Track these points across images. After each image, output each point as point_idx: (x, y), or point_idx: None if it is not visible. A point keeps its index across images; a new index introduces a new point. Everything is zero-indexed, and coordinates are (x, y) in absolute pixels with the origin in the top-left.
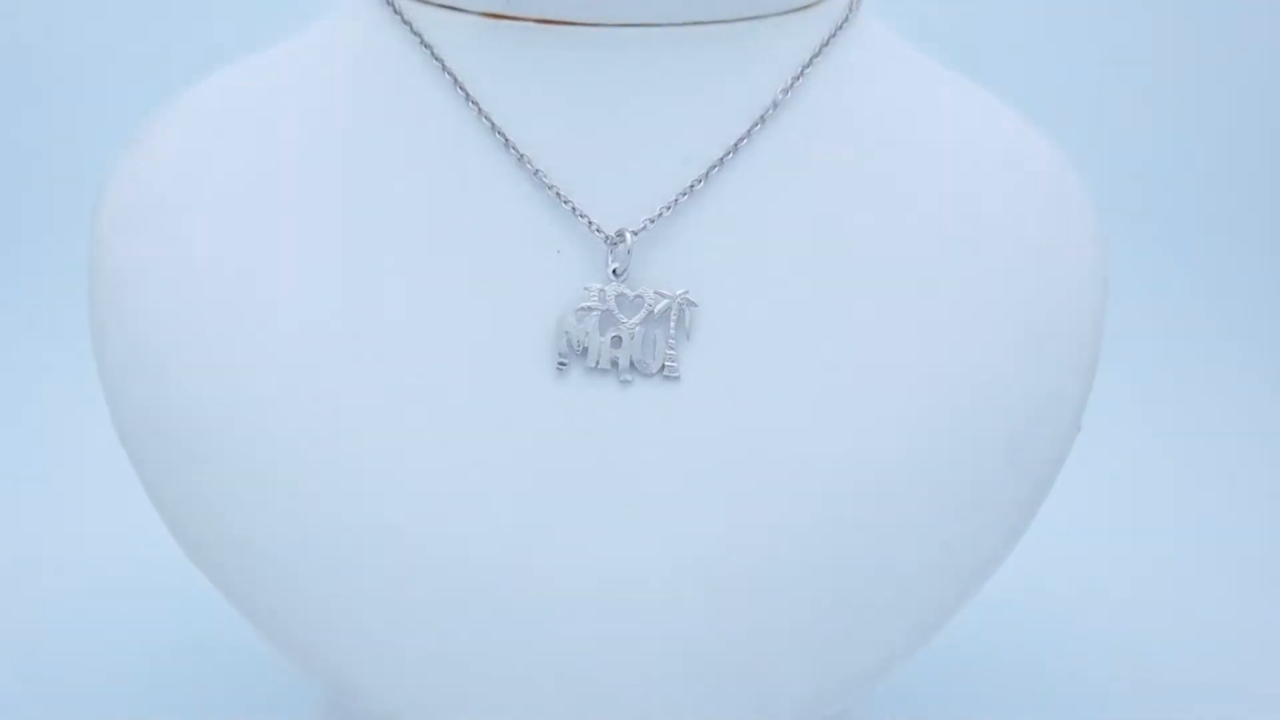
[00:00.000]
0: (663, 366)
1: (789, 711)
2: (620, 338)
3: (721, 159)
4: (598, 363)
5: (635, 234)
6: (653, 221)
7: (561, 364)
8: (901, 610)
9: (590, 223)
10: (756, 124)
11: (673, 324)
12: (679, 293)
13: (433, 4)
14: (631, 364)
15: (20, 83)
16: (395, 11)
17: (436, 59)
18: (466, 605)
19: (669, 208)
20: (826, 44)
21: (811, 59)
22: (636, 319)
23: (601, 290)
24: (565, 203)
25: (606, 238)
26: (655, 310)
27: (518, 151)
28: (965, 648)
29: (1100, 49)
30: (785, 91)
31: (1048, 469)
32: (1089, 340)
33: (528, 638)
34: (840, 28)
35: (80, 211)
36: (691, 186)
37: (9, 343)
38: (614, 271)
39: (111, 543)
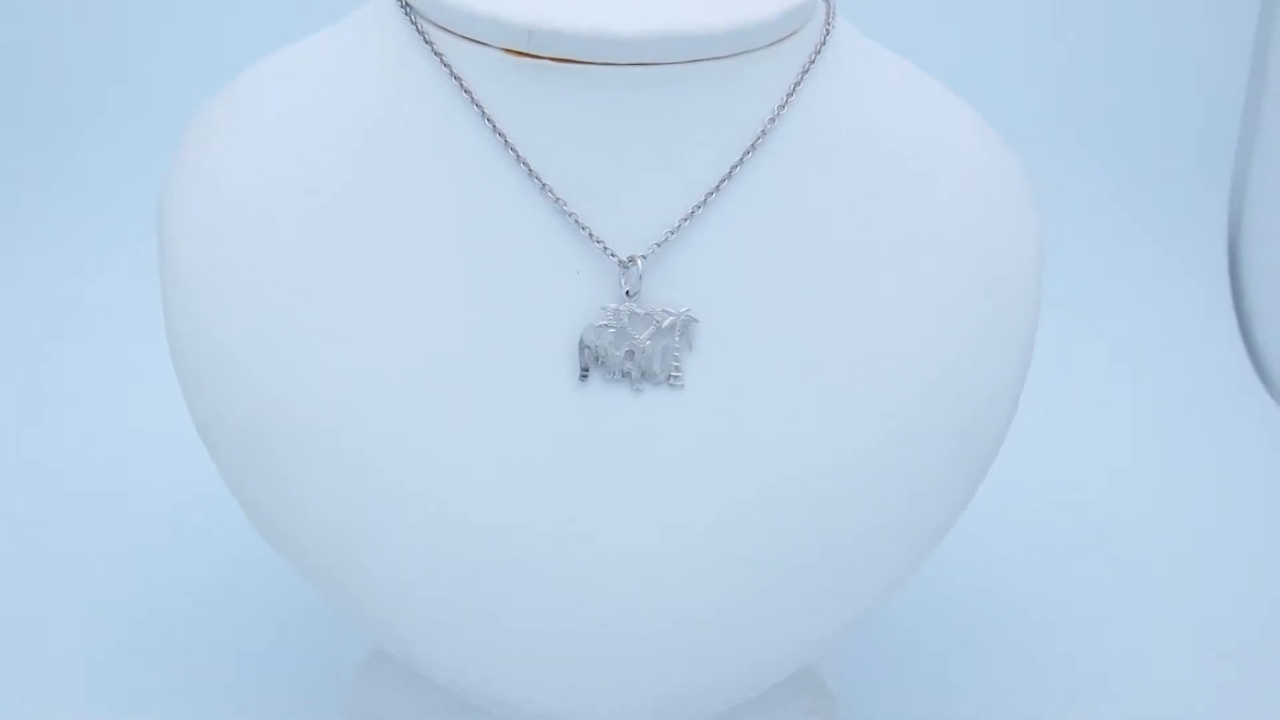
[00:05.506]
0: (669, 376)
1: (780, 660)
2: (633, 351)
3: (718, 185)
4: (614, 374)
5: (644, 258)
6: (659, 246)
7: (584, 374)
8: (873, 573)
9: (605, 248)
10: (748, 151)
11: (677, 338)
12: (683, 310)
13: (459, 36)
14: (643, 374)
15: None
16: (426, 42)
17: (466, 91)
18: (499, 572)
19: (673, 232)
20: (806, 70)
21: (794, 87)
22: (646, 334)
23: (616, 309)
24: (583, 229)
25: (620, 261)
26: (662, 326)
27: (540, 180)
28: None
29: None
30: (772, 120)
31: (992, 447)
32: (1028, 337)
33: (550, 603)
34: (818, 51)
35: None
36: (692, 212)
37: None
38: (627, 293)
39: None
